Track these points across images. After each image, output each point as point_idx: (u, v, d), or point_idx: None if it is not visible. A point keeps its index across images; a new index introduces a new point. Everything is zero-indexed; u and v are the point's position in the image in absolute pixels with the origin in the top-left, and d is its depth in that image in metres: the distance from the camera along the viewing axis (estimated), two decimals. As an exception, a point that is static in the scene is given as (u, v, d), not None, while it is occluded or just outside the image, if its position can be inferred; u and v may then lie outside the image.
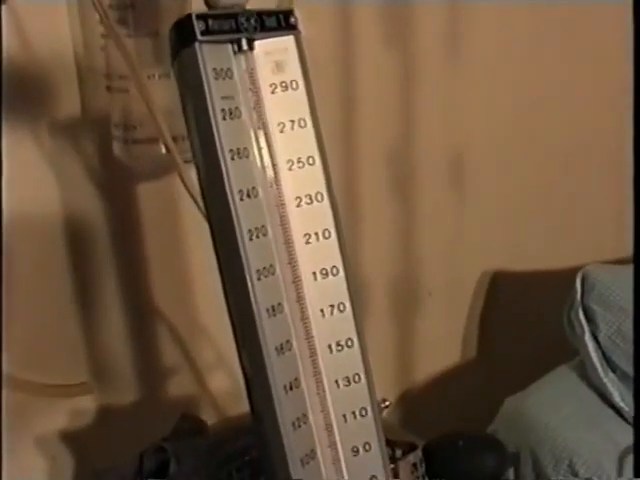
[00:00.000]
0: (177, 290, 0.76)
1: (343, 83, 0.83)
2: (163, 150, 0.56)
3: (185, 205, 0.70)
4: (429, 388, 1.02)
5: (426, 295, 0.99)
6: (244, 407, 0.53)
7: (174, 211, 0.73)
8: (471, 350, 1.09)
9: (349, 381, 0.45)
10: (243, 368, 0.42)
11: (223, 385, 0.80)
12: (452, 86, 0.95)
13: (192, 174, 0.41)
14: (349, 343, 0.45)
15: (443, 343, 1.05)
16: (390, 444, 0.46)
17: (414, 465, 0.46)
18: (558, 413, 0.81)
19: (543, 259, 1.09)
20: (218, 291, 0.74)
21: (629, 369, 0.84)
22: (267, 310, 0.41)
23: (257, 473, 0.50)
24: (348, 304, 0.45)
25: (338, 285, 0.44)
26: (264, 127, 0.42)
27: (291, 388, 0.42)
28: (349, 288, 0.44)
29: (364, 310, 0.91)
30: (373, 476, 0.45)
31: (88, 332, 0.72)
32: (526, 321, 1.08)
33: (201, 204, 0.42)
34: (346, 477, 0.45)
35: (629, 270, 0.86)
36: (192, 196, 0.45)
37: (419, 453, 0.47)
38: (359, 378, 0.45)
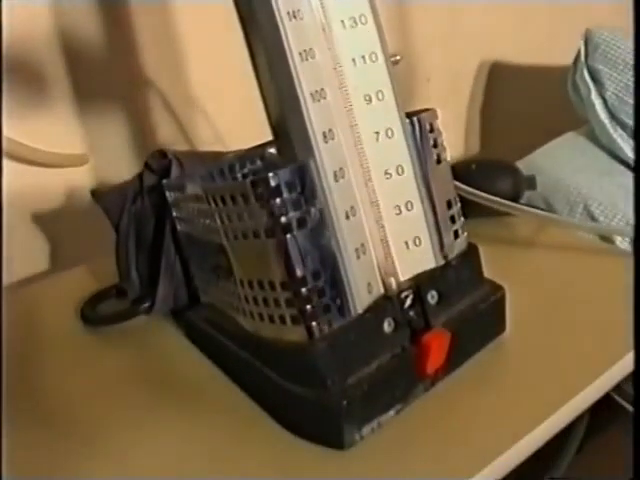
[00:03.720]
0: (172, 66, 0.73)
1: None
2: None
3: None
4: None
5: (425, 81, 0.95)
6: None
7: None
8: (474, 140, 1.07)
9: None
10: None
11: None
12: None
13: None
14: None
15: (445, 132, 1.02)
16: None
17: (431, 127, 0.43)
18: (569, 165, 0.79)
19: (542, 53, 1.05)
20: (214, 71, 0.72)
21: None
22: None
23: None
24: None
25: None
26: None
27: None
28: None
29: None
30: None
31: (82, 107, 0.69)
32: (526, 113, 1.05)
33: None
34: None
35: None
36: None
37: (435, 114, 0.44)
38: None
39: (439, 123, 0.45)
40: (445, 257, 0.45)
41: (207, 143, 0.77)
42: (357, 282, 0.40)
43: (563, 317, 0.51)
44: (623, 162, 0.81)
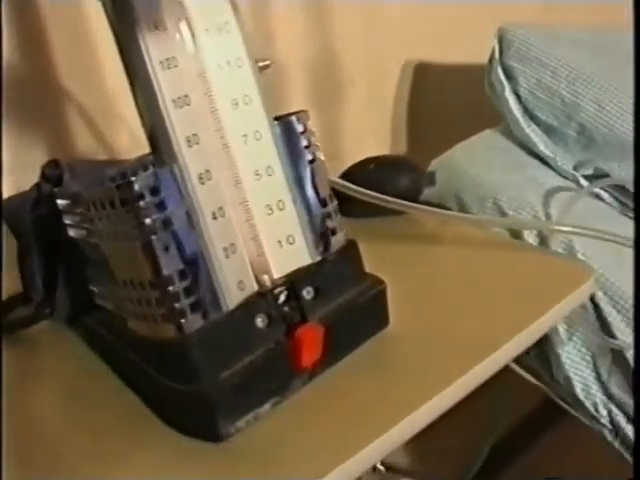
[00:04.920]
0: (87, 75, 0.74)
1: None
2: None
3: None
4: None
5: (349, 84, 0.97)
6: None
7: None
8: (401, 141, 1.08)
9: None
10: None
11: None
12: None
13: None
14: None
15: (372, 134, 1.04)
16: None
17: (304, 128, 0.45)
18: (482, 161, 0.81)
19: (466, 52, 1.06)
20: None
21: (553, 121, 0.85)
22: None
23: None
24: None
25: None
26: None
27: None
28: None
29: (286, 100, 0.90)
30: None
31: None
32: (453, 112, 1.07)
33: None
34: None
35: (548, 28, 0.86)
36: None
37: (307, 115, 0.46)
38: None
39: (311, 124, 0.46)
40: (322, 254, 0.46)
41: (127, 150, 0.78)
42: (227, 280, 0.42)
43: (453, 309, 0.53)
44: (537, 156, 0.83)
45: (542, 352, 0.74)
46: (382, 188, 0.60)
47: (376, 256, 0.50)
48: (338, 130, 0.96)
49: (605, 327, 0.70)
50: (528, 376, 0.81)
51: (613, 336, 0.70)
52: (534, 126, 0.84)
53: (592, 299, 0.71)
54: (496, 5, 1.07)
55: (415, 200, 0.62)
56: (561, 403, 0.79)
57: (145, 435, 0.44)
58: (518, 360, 0.81)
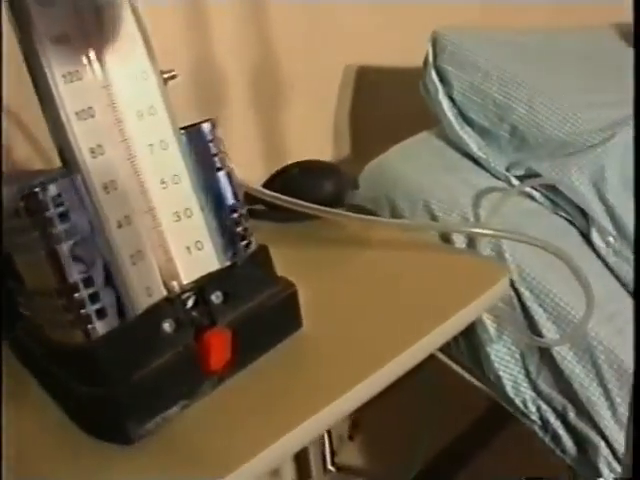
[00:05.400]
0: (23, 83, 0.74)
1: None
2: None
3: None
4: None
5: (289, 88, 0.98)
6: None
7: None
8: (344, 145, 1.09)
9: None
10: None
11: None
12: None
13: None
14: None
15: (313, 139, 1.05)
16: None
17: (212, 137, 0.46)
18: (415, 163, 0.83)
19: (409, 55, 1.07)
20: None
21: (485, 123, 0.86)
22: None
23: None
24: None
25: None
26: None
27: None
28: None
29: (224, 105, 0.91)
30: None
31: None
32: (395, 114, 1.08)
33: None
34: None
35: (482, 31, 0.87)
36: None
37: (215, 123, 0.47)
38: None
39: (219, 132, 0.47)
40: (232, 259, 0.47)
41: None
42: (134, 286, 0.43)
43: (371, 309, 0.55)
44: (471, 158, 0.85)
45: (474, 351, 0.76)
46: (306, 192, 0.61)
47: (296, 260, 0.52)
48: (279, 134, 0.97)
49: (532, 325, 0.72)
50: (470, 377, 0.82)
51: (540, 334, 0.71)
52: (467, 128, 0.85)
53: (520, 298, 0.72)
54: (438, 7, 1.07)
55: (340, 204, 0.63)
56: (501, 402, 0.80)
57: (58, 438, 0.45)
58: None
